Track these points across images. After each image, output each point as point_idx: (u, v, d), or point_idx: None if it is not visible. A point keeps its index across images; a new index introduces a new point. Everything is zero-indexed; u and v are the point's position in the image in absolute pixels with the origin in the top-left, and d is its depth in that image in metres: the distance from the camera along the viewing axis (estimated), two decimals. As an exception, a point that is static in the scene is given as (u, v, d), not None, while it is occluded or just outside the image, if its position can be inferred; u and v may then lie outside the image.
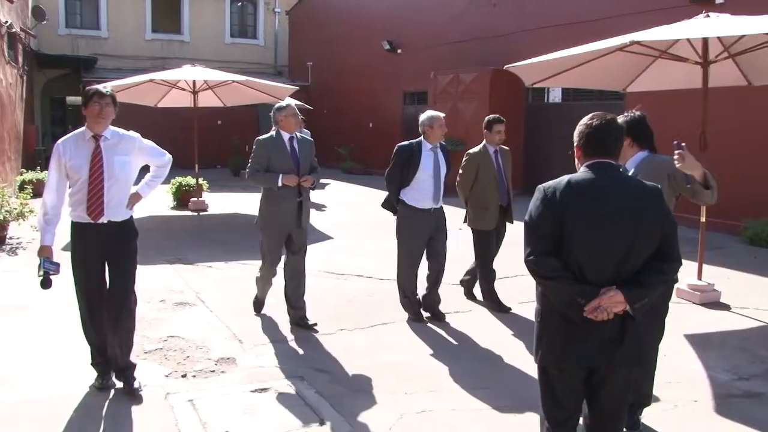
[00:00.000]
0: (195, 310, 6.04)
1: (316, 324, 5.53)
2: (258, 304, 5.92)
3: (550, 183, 2.72)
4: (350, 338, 5.36)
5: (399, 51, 18.86)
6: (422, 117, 5.75)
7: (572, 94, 13.83)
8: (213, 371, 4.60)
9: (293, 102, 5.72)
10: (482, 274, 6.29)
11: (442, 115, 5.72)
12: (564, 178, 2.72)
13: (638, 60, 7.11)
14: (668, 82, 7.72)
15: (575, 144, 2.83)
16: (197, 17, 25.03)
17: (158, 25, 24.55)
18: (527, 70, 7.08)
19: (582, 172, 2.76)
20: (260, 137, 5.54)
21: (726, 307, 6.40)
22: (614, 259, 2.63)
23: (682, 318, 5.99)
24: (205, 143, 13.67)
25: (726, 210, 8.16)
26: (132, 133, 4.21)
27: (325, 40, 22.50)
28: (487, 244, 6.22)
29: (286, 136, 5.45)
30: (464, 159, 6.32)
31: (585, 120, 2.82)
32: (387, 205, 5.92)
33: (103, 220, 4.07)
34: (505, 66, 6.97)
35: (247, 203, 13.16)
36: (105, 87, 4.12)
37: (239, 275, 7.23)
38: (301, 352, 5.04)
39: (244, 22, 26.51)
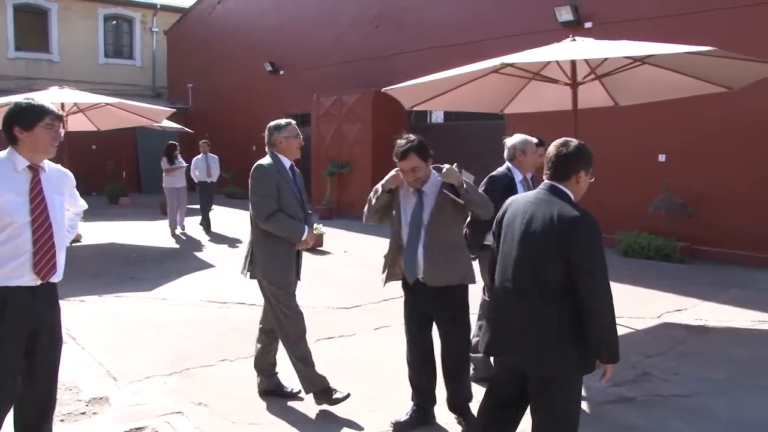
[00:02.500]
0: (65, 348, 5.69)
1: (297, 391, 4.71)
2: (323, 385, 4.47)
3: None
4: (232, 369, 5.23)
5: (281, 72, 18.83)
6: (514, 140, 5.11)
7: (454, 115, 14.28)
8: (83, 413, 4.35)
9: (286, 122, 4.59)
10: None
11: (534, 140, 5.13)
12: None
13: (513, 82, 7.45)
14: (543, 104, 8.13)
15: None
16: (67, 35, 23.94)
17: (23, 43, 23.28)
18: (405, 93, 7.21)
19: None
20: (262, 162, 4.43)
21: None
22: None
23: None
24: (79, 170, 12.94)
25: (602, 224, 8.61)
26: (63, 168, 3.40)
27: (205, 61, 22.13)
28: None
29: (286, 163, 4.48)
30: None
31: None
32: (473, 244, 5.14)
33: (54, 279, 3.21)
34: (383, 89, 7.08)
35: (123, 232, 12.66)
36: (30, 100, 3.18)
37: (114, 309, 6.91)
38: (180, 385, 4.87)
39: (119, 41, 25.64)
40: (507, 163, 5.08)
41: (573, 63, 6.84)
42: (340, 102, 15.76)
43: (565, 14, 11.19)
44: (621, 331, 6.29)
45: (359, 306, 7.19)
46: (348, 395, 4.43)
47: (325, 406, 4.41)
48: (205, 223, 12.94)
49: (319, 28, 17.27)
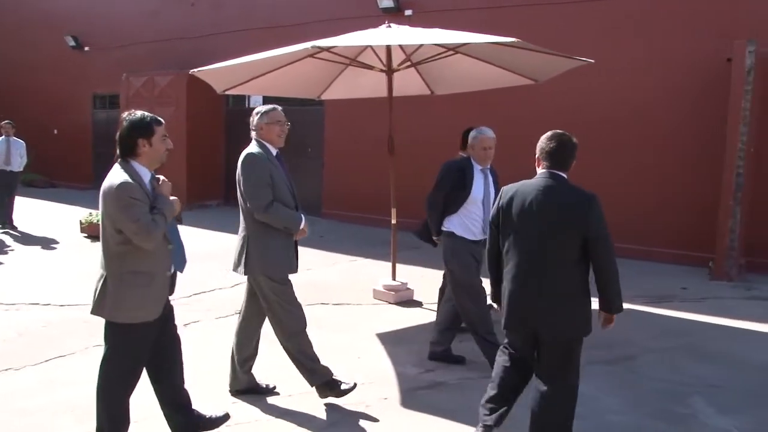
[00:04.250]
0: None
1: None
2: (328, 377, 4.39)
3: None
4: (17, 378, 4.75)
5: (86, 48, 17.50)
6: (472, 134, 5.19)
7: (274, 100, 14.02)
8: None
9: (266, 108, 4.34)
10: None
11: (490, 133, 5.14)
12: None
13: (330, 68, 7.45)
14: (360, 90, 8.21)
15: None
16: None
17: None
18: (216, 76, 6.95)
19: None
20: (252, 151, 4.24)
21: (418, 304, 6.99)
22: None
23: (378, 318, 6.41)
24: None
25: (411, 218, 8.86)
26: None
27: (-4, 32, 20.08)
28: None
29: (273, 150, 4.30)
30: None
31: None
32: (424, 234, 5.54)
33: None
34: (191, 71, 6.76)
35: None
36: None
37: None
38: (-50, 401, 4.34)
39: None
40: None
41: (388, 49, 6.97)
42: (152, 83, 14.95)
43: (385, 1, 11.39)
44: (429, 315, 6.54)
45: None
46: (355, 385, 4.41)
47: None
48: (1, 218, 11.52)
49: (130, 2, 16.26)
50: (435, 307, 6.85)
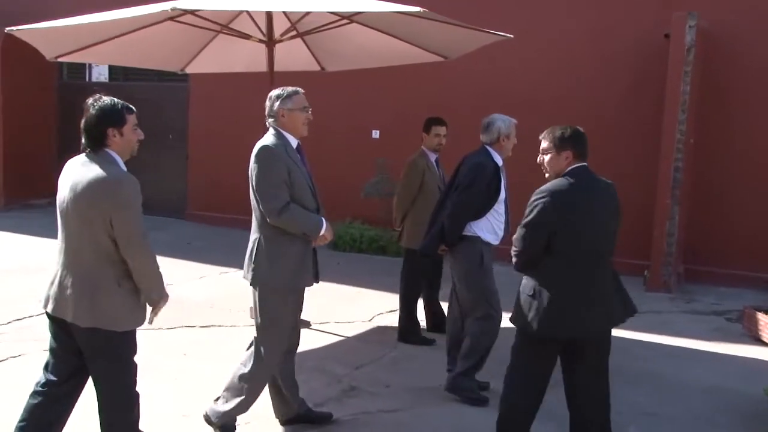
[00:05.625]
0: None
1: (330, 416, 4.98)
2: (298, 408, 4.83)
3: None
4: None
5: None
6: (498, 121, 5.48)
7: (123, 73, 13.85)
8: None
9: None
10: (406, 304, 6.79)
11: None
12: None
13: (197, 35, 7.40)
14: (234, 63, 8.24)
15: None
16: None
17: None
18: (45, 38, 6.73)
19: None
20: (266, 143, 4.40)
21: (305, 324, 7.08)
22: None
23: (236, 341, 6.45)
24: None
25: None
26: None
27: None
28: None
29: (293, 141, 4.47)
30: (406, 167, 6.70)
31: None
32: (430, 246, 5.66)
33: None
34: (9, 29, 6.43)
35: None
36: None
37: None
38: None
39: None
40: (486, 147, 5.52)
41: (269, 16, 6.99)
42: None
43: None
44: (326, 339, 6.70)
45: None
46: (331, 415, 4.89)
47: None
48: None
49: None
50: (328, 327, 7.05)
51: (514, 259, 4.04)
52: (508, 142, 5.47)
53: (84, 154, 3.60)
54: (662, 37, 9.21)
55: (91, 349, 3.59)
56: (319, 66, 8.33)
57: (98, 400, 3.68)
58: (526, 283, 4.00)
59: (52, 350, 3.75)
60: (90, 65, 14.11)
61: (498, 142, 5.45)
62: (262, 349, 4.44)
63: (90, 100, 3.61)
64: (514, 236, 4.04)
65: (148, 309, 3.70)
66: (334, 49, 7.89)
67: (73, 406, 3.82)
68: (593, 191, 4.00)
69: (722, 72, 9.30)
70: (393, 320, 7.36)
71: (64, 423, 3.81)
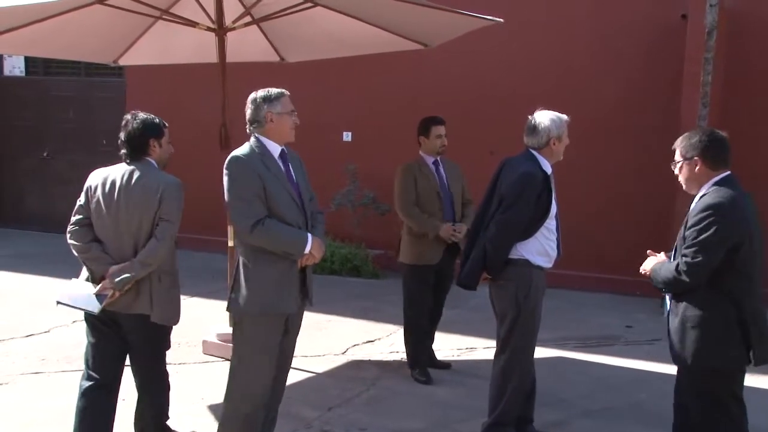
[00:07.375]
0: None
1: None
2: None
3: None
4: None
5: None
6: (546, 121, 5.26)
7: (43, 66, 13.85)
8: None
9: None
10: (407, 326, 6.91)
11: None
12: None
13: (132, 22, 7.38)
14: (177, 54, 8.26)
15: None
16: None
17: None
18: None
19: None
20: (238, 153, 4.62)
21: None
22: None
23: (209, 381, 6.45)
24: None
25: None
26: None
27: None
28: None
29: (275, 149, 4.68)
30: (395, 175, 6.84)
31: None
32: (471, 275, 5.37)
33: None
34: None
35: None
36: None
37: None
38: None
39: None
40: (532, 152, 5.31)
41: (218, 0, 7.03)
42: None
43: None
44: (294, 376, 6.79)
45: None
46: None
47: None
48: None
49: None
50: (295, 363, 7.10)
51: (686, 284, 4.45)
52: (560, 145, 5.28)
53: (125, 162, 4.66)
54: (679, 18, 9.37)
55: (141, 338, 4.68)
56: (279, 56, 8.39)
57: (139, 386, 4.85)
58: (707, 314, 4.41)
59: (93, 347, 4.75)
60: (1, 56, 14.08)
61: (547, 146, 5.26)
62: (233, 385, 4.57)
63: (128, 116, 4.72)
64: (689, 260, 4.35)
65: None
66: (296, 38, 7.93)
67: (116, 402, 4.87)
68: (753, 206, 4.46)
69: (751, 58, 9.41)
70: (370, 352, 7.49)
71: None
